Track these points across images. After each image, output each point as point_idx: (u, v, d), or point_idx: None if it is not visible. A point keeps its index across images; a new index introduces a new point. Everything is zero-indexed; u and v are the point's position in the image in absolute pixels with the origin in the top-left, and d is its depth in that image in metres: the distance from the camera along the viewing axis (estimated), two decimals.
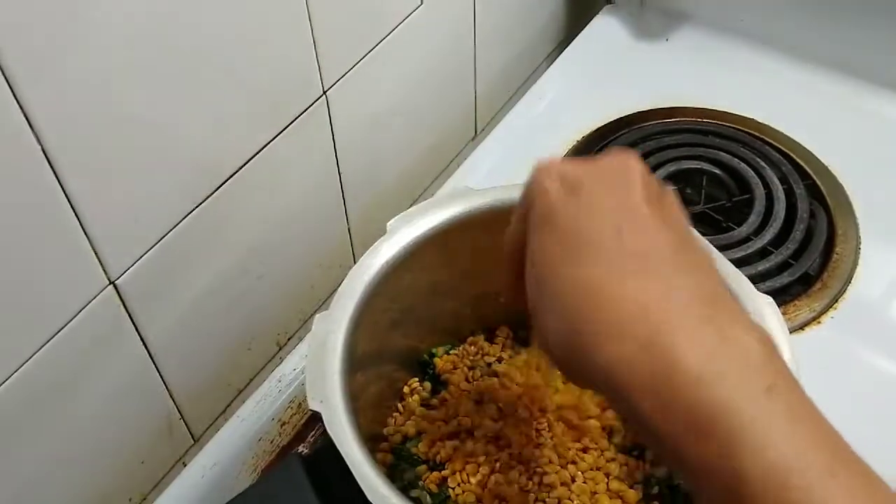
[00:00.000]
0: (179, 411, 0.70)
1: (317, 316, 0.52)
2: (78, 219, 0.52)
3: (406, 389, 0.65)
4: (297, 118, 0.66)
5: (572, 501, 0.58)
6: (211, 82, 0.57)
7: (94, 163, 0.52)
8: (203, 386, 0.71)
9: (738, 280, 0.53)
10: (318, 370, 0.50)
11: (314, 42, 0.64)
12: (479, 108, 0.95)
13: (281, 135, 0.65)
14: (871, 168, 0.84)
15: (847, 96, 0.90)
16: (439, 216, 0.57)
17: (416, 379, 0.65)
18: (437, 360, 0.66)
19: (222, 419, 0.73)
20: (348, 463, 0.46)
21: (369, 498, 0.45)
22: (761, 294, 0.52)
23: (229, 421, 0.68)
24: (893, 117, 0.88)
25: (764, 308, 0.52)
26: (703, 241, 0.50)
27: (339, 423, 0.47)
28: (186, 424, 0.71)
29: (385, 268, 0.55)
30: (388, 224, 0.57)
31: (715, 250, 0.54)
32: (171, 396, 0.68)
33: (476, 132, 0.96)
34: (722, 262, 0.54)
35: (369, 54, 0.71)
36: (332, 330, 0.51)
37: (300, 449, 0.66)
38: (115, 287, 0.57)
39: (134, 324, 0.61)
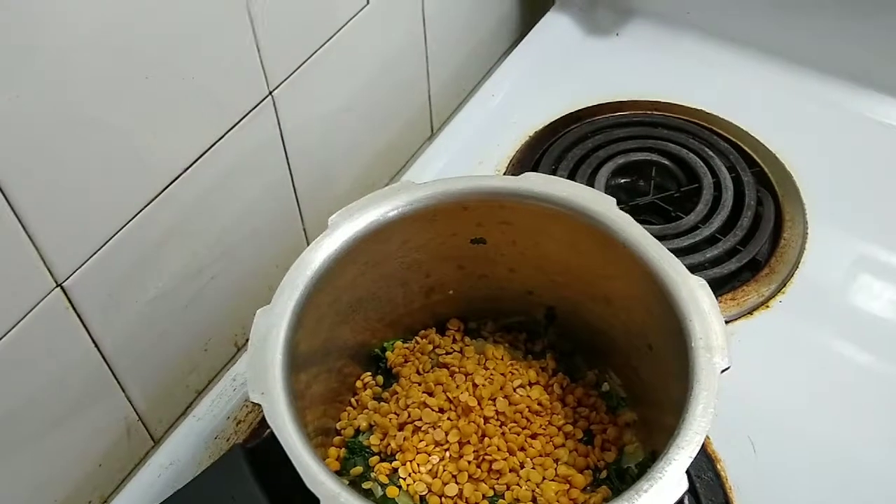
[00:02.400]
0: (137, 414, 0.70)
1: (258, 311, 0.53)
2: (20, 221, 0.52)
3: (359, 384, 0.66)
4: (243, 118, 0.67)
5: (521, 487, 0.59)
6: (155, 83, 0.58)
7: (38, 166, 0.52)
8: (161, 388, 0.72)
9: (673, 264, 0.54)
10: (259, 364, 0.50)
11: (257, 43, 0.65)
12: (435, 107, 0.96)
13: (227, 135, 0.66)
14: (818, 154, 0.85)
15: (795, 85, 0.91)
16: (381, 210, 0.58)
17: (369, 373, 0.66)
18: (388, 353, 0.66)
19: (183, 420, 0.73)
20: (287, 452, 0.46)
21: (308, 485, 0.45)
22: (693, 276, 0.53)
23: (185, 420, 0.69)
24: (840, 104, 0.90)
25: (697, 290, 0.53)
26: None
27: (279, 414, 0.48)
28: (146, 426, 0.72)
29: (327, 262, 0.56)
30: (330, 219, 0.57)
31: (651, 237, 0.56)
32: (128, 399, 0.68)
33: (433, 131, 0.97)
34: (658, 248, 0.55)
35: (315, 55, 0.72)
36: (274, 324, 0.52)
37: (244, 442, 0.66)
38: (63, 289, 0.58)
39: (85, 326, 0.61)
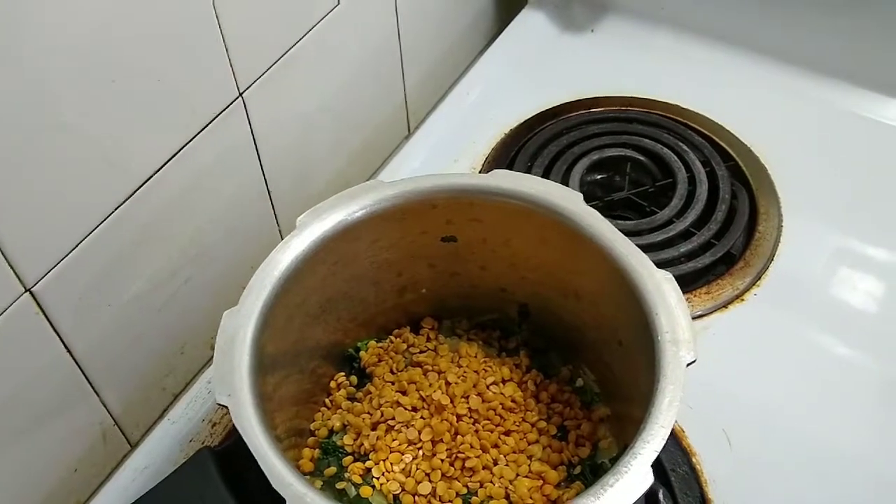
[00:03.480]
0: (113, 418, 0.70)
1: (224, 312, 0.53)
2: None
3: (333, 384, 0.66)
4: (212, 120, 0.67)
5: (494, 484, 0.59)
6: (123, 85, 0.58)
7: (4, 169, 0.52)
8: (137, 392, 0.72)
9: (639, 258, 0.54)
10: (226, 365, 0.50)
11: (225, 44, 0.64)
12: (411, 106, 0.96)
13: (197, 137, 0.66)
14: (793, 147, 0.86)
15: (769, 78, 0.92)
16: (349, 209, 0.58)
17: (343, 373, 0.66)
18: (362, 353, 0.66)
19: (159, 424, 0.73)
20: (253, 452, 0.46)
21: (274, 486, 0.45)
22: (660, 270, 0.53)
23: (160, 424, 0.69)
24: (815, 97, 0.90)
25: (663, 284, 0.53)
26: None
27: (245, 416, 0.48)
28: (122, 431, 0.71)
29: (296, 262, 0.56)
30: (298, 219, 0.57)
31: (618, 232, 0.56)
32: (102, 404, 0.68)
33: (410, 130, 0.97)
34: (625, 244, 0.55)
35: (286, 55, 0.72)
36: (241, 325, 0.52)
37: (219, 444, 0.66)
38: (32, 294, 0.58)
39: (56, 331, 0.61)
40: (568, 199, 0.58)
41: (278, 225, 0.80)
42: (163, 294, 0.70)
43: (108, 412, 0.69)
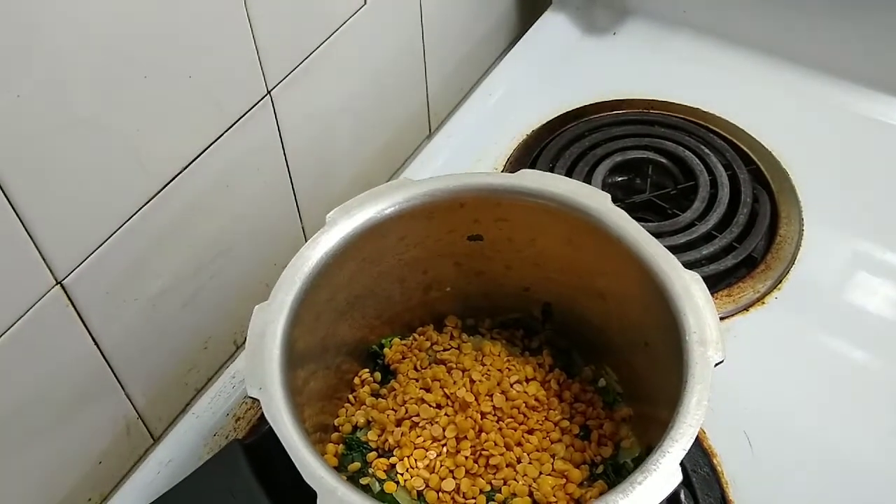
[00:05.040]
0: (137, 412, 0.70)
1: (255, 307, 0.53)
2: (20, 219, 0.53)
3: (357, 381, 0.66)
4: (241, 117, 0.67)
5: (518, 481, 0.59)
6: (154, 83, 0.58)
7: (38, 164, 0.53)
8: (161, 386, 0.72)
9: (667, 259, 0.54)
10: (257, 359, 0.51)
11: (255, 42, 0.65)
12: (433, 106, 0.96)
13: (226, 134, 0.67)
14: (814, 152, 0.86)
15: (791, 82, 0.92)
16: (378, 207, 0.59)
17: (367, 370, 0.66)
18: (386, 350, 0.67)
19: (182, 418, 0.74)
20: (285, 446, 0.47)
21: (306, 479, 0.46)
22: (688, 271, 0.54)
23: (184, 418, 0.69)
24: (836, 102, 0.90)
25: (691, 285, 0.53)
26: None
27: (276, 408, 0.49)
28: (145, 424, 0.72)
29: (325, 259, 0.56)
30: (328, 216, 0.58)
31: (646, 232, 0.56)
32: (127, 397, 0.69)
33: (430, 130, 0.98)
34: (652, 244, 0.56)
35: (313, 54, 0.72)
36: (271, 320, 0.53)
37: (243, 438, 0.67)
38: (63, 287, 0.58)
39: (84, 324, 0.62)
40: (595, 199, 0.58)
41: (301, 223, 0.81)
42: (188, 290, 0.70)
43: (133, 406, 0.69)
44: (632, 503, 0.45)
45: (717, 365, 0.50)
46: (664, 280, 0.54)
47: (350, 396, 0.66)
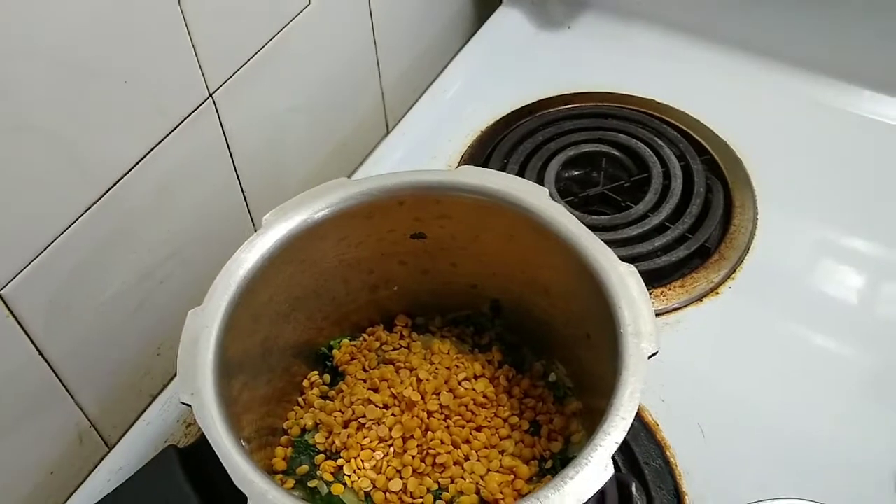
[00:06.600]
0: (89, 420, 0.70)
1: (189, 312, 0.53)
2: None
3: (306, 383, 0.66)
4: (182, 121, 0.67)
5: (465, 479, 0.59)
6: (91, 86, 0.58)
7: None
8: (113, 394, 0.72)
9: (603, 252, 0.54)
10: (190, 365, 0.51)
11: (192, 44, 0.65)
12: (389, 104, 0.96)
13: (168, 138, 0.66)
14: (768, 141, 0.86)
15: (744, 72, 0.92)
16: (314, 207, 0.58)
17: (316, 372, 0.66)
18: (335, 352, 0.66)
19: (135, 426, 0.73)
20: (216, 450, 0.46)
21: (236, 483, 0.45)
22: (624, 263, 0.54)
23: (135, 425, 0.69)
24: (790, 91, 0.90)
25: (627, 278, 0.53)
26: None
27: (208, 414, 0.48)
28: (98, 433, 0.71)
29: (261, 261, 0.56)
30: (264, 218, 0.58)
31: (582, 225, 0.56)
32: (78, 406, 0.68)
33: (388, 129, 0.97)
34: (588, 238, 0.55)
35: (257, 55, 0.72)
36: (205, 325, 0.52)
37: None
38: (1, 297, 0.58)
39: (27, 333, 0.61)
40: (532, 194, 0.58)
41: (254, 226, 0.80)
42: (137, 296, 0.70)
43: (85, 414, 0.69)
44: (563, 497, 0.45)
45: (650, 357, 0.50)
46: (600, 273, 0.53)
47: (299, 399, 0.65)
